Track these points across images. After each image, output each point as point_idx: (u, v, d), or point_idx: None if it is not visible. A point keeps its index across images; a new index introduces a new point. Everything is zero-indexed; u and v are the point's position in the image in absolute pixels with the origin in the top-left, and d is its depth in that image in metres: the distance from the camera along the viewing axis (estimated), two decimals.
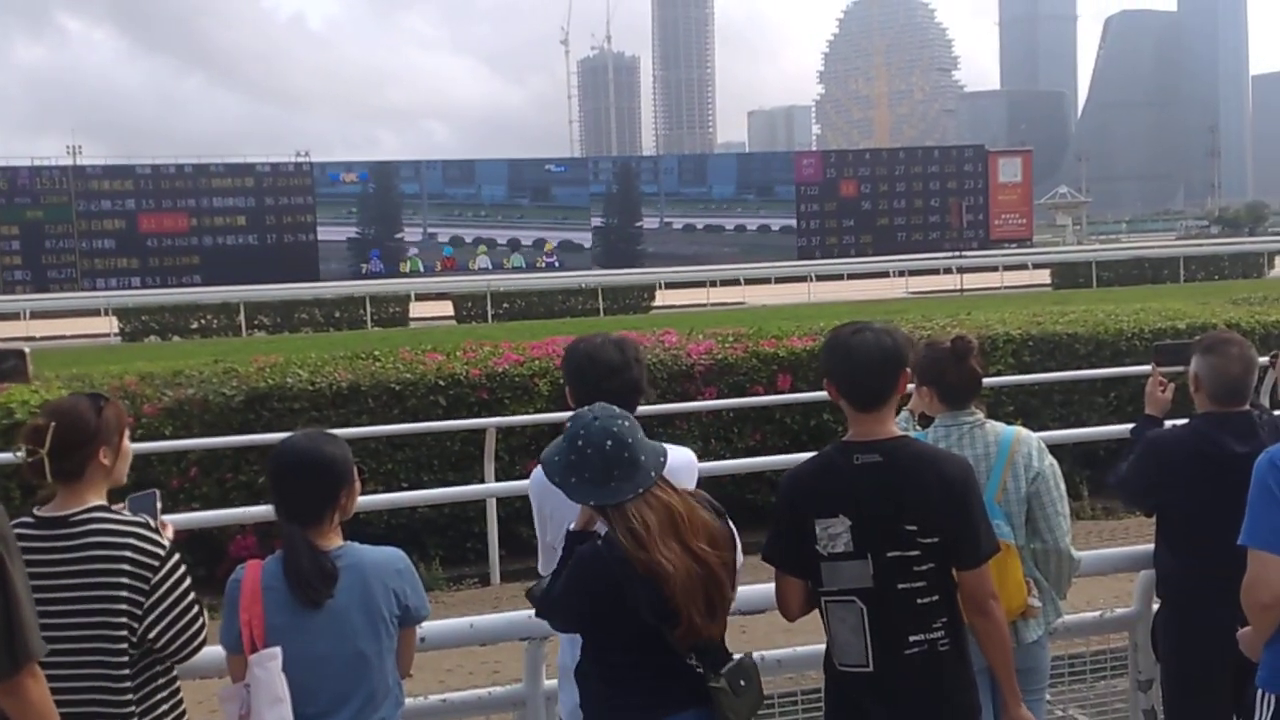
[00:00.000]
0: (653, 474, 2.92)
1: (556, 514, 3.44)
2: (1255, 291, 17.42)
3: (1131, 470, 4.08)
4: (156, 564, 3.10)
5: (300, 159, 64.92)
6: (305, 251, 61.56)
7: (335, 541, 3.16)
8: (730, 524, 3.08)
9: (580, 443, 2.91)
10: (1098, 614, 4.43)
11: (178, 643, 3.13)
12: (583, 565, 2.97)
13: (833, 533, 3.09)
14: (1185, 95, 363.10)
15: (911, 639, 3.10)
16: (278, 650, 3.01)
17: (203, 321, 35.47)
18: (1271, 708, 3.33)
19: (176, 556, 3.16)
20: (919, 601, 3.10)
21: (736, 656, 3.02)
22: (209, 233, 60.79)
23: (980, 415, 3.83)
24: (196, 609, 3.17)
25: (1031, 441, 3.81)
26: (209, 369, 10.19)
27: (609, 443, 2.88)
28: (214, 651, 3.25)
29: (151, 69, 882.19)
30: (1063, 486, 3.81)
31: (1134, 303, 15.12)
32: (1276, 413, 4.15)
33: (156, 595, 3.09)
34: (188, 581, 3.16)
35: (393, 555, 3.22)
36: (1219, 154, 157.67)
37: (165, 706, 3.20)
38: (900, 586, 3.09)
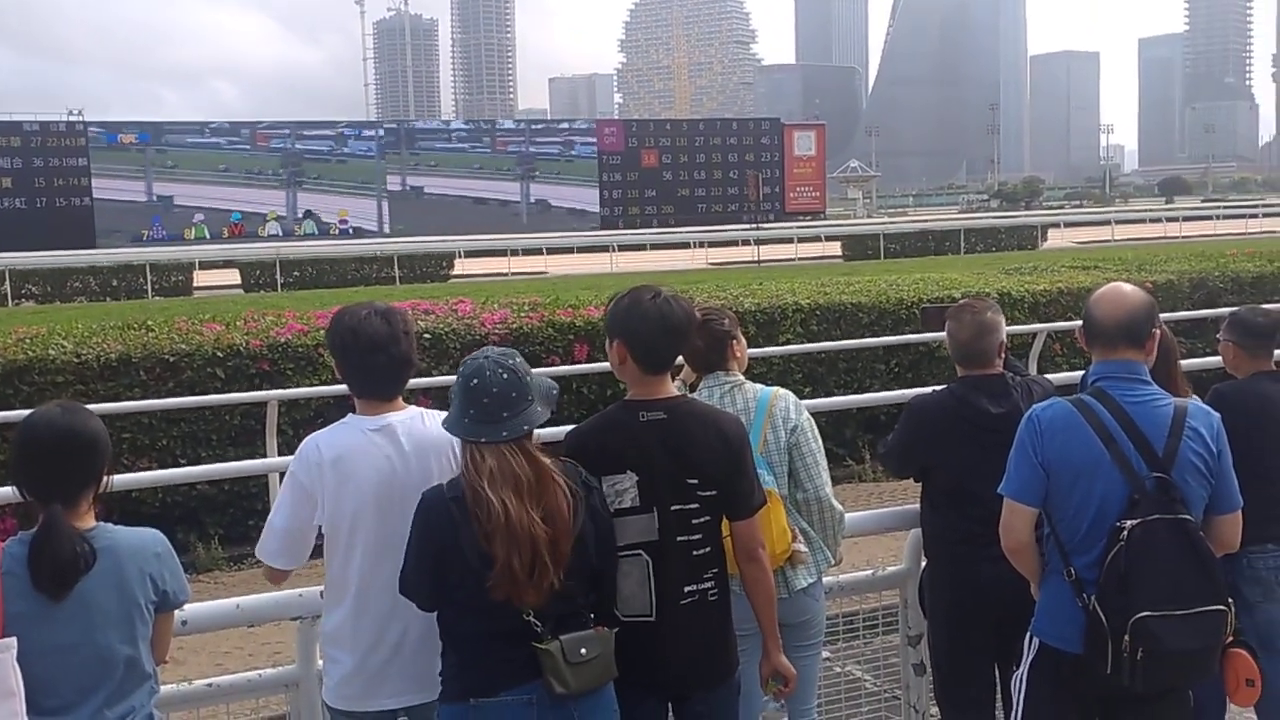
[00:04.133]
0: (504, 433, 2.94)
1: (330, 496, 3.26)
2: (1028, 262, 18.39)
3: (896, 437, 4.23)
4: None
5: (73, 118, 61.19)
6: (80, 216, 58.09)
7: (89, 523, 2.94)
8: (585, 496, 3.05)
9: (468, 372, 3.00)
10: (870, 572, 4.57)
11: None
12: (423, 510, 3.01)
13: (620, 489, 3.17)
14: (968, 74, 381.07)
15: (686, 589, 3.21)
16: (12, 641, 2.77)
17: None
18: (1034, 651, 3.49)
19: None
20: (694, 553, 3.22)
21: (593, 629, 2.99)
22: None
23: (739, 377, 3.98)
24: None
25: (789, 398, 3.98)
26: None
27: (474, 381, 2.97)
28: None
29: None
30: (819, 440, 3.98)
31: (916, 273, 15.75)
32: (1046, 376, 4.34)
33: None
34: None
35: (150, 538, 3.02)
36: (998, 131, 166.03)
37: None
38: (680, 539, 3.20)
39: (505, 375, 2.98)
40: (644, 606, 3.18)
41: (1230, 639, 3.34)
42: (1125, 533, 3.26)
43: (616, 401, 3.35)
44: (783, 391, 3.98)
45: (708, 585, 3.25)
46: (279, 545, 3.37)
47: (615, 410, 3.30)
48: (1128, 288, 3.58)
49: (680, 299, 3.32)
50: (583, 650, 2.94)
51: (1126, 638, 3.24)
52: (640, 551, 3.17)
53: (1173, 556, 3.24)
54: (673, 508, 3.19)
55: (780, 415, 3.88)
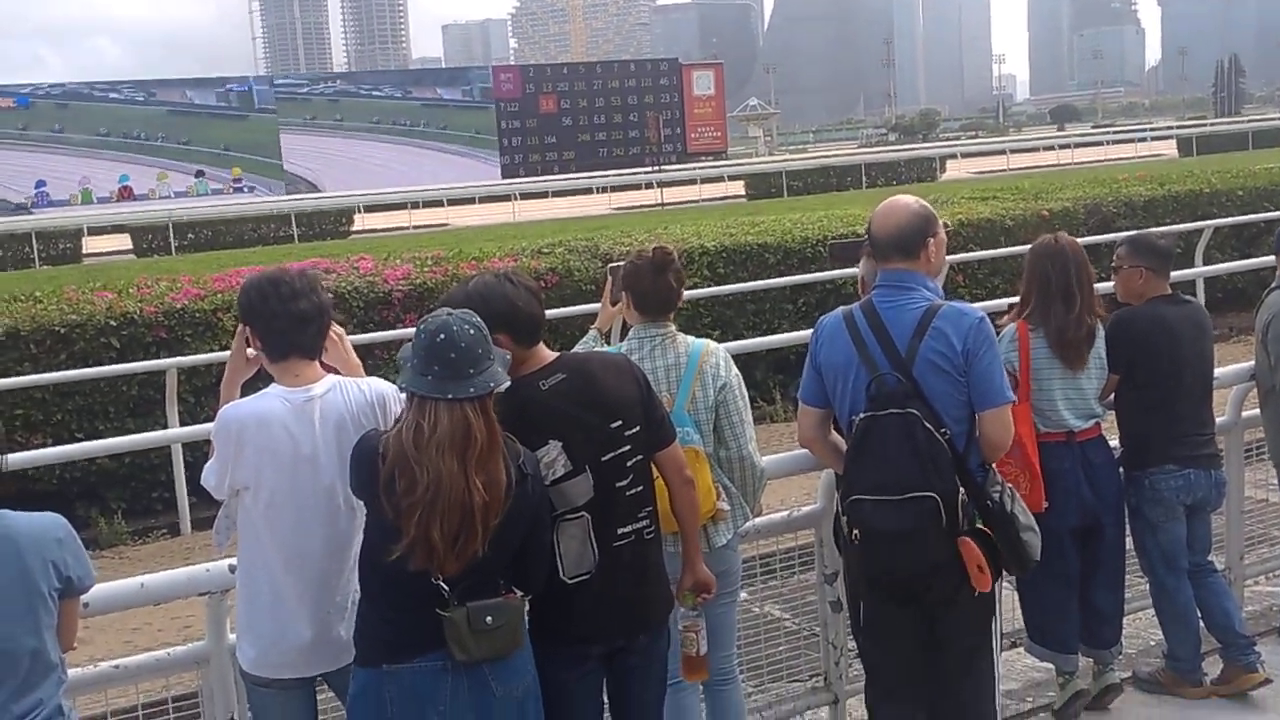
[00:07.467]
0: (471, 389, 2.86)
1: (244, 467, 3.19)
2: (927, 194, 18.39)
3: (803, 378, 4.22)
4: None
5: None
6: None
7: None
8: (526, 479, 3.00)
9: (432, 328, 2.91)
10: (786, 513, 4.58)
11: None
12: (355, 452, 2.99)
13: (548, 460, 3.12)
14: (862, 8, 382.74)
15: (620, 531, 3.22)
16: None
17: None
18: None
19: None
20: (628, 494, 3.23)
21: (502, 597, 2.94)
22: None
23: (672, 328, 3.92)
24: None
25: (719, 353, 3.93)
26: None
27: (441, 336, 2.88)
28: None
29: None
30: (746, 397, 3.95)
31: (820, 210, 15.84)
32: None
33: None
34: None
35: (50, 523, 2.90)
36: (894, 65, 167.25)
37: None
38: (618, 485, 3.20)
39: (472, 331, 2.90)
40: (590, 563, 3.17)
41: (967, 528, 3.47)
42: (854, 425, 3.54)
43: (509, 385, 3.18)
44: (713, 346, 3.93)
45: (643, 524, 3.27)
46: (215, 485, 3.32)
47: (515, 390, 3.15)
48: (902, 201, 3.76)
49: (521, 276, 3.36)
50: (488, 619, 2.89)
51: (845, 518, 3.58)
52: (583, 513, 3.16)
53: (893, 447, 3.45)
54: (604, 458, 3.18)
55: (710, 372, 3.83)
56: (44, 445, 8.29)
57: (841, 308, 3.75)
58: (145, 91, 63.10)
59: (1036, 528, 3.63)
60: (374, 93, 68.32)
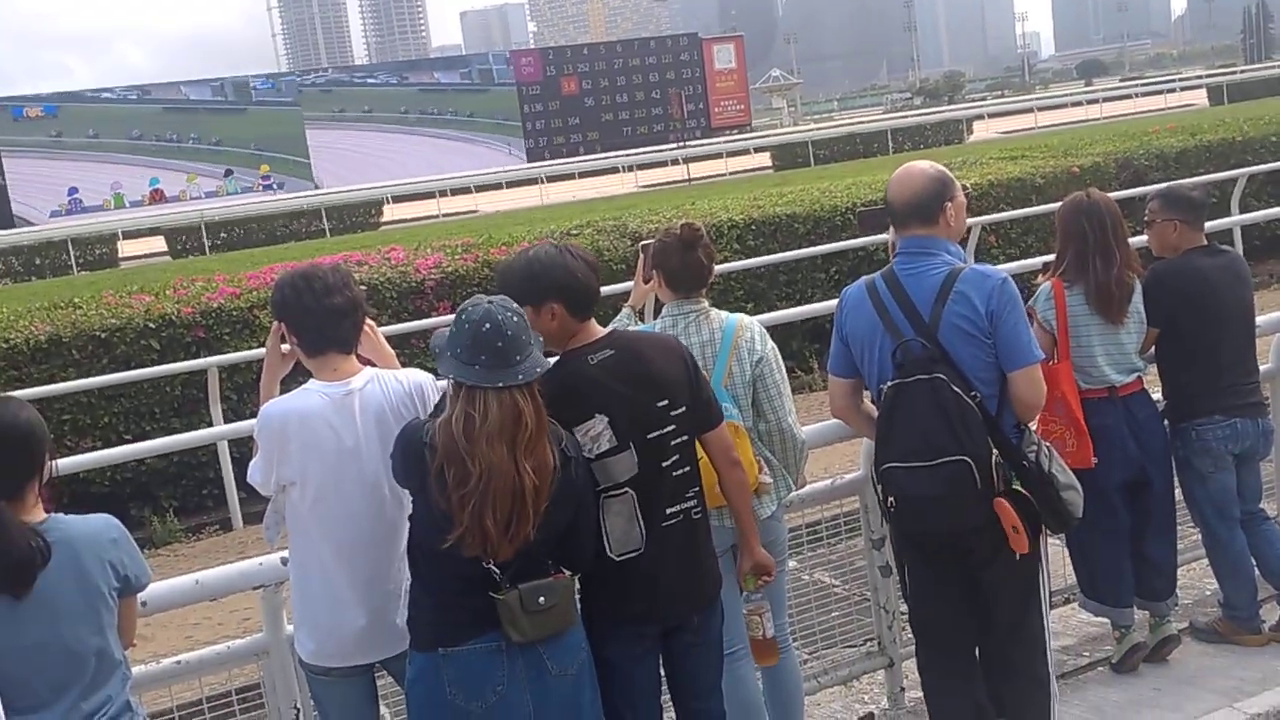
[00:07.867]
0: (520, 376, 2.88)
1: (289, 464, 3.23)
2: (956, 157, 18.34)
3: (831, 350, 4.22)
4: None
5: None
6: None
7: (39, 515, 2.87)
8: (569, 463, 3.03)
9: (476, 317, 2.91)
10: (829, 481, 4.59)
11: None
12: (400, 442, 3.01)
13: (593, 434, 3.15)
14: None
15: (668, 511, 3.24)
16: None
17: None
18: None
19: None
20: (674, 474, 3.25)
21: (551, 577, 2.98)
22: None
23: (705, 304, 3.92)
24: None
25: (754, 327, 3.92)
26: None
27: (486, 325, 2.88)
28: None
29: None
30: (783, 369, 3.94)
31: (848, 178, 15.74)
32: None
33: None
34: None
35: (105, 525, 2.96)
36: (915, 28, 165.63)
37: None
38: (663, 465, 3.22)
39: (515, 318, 2.93)
40: (637, 541, 3.19)
41: (1003, 489, 3.48)
42: (883, 393, 3.55)
43: (557, 356, 3.27)
44: (748, 320, 3.93)
45: (690, 504, 3.29)
46: (261, 482, 3.36)
47: (563, 362, 3.23)
48: (918, 166, 3.73)
49: (565, 243, 3.37)
50: (541, 599, 2.93)
51: (879, 486, 3.61)
52: (626, 489, 3.18)
53: (922, 413, 3.46)
54: (649, 436, 3.19)
55: (746, 347, 3.83)
56: (93, 448, 8.38)
57: (864, 277, 3.76)
58: (141, 92, 63.29)
59: (1078, 485, 3.62)
60: (368, 80, 68.23)
